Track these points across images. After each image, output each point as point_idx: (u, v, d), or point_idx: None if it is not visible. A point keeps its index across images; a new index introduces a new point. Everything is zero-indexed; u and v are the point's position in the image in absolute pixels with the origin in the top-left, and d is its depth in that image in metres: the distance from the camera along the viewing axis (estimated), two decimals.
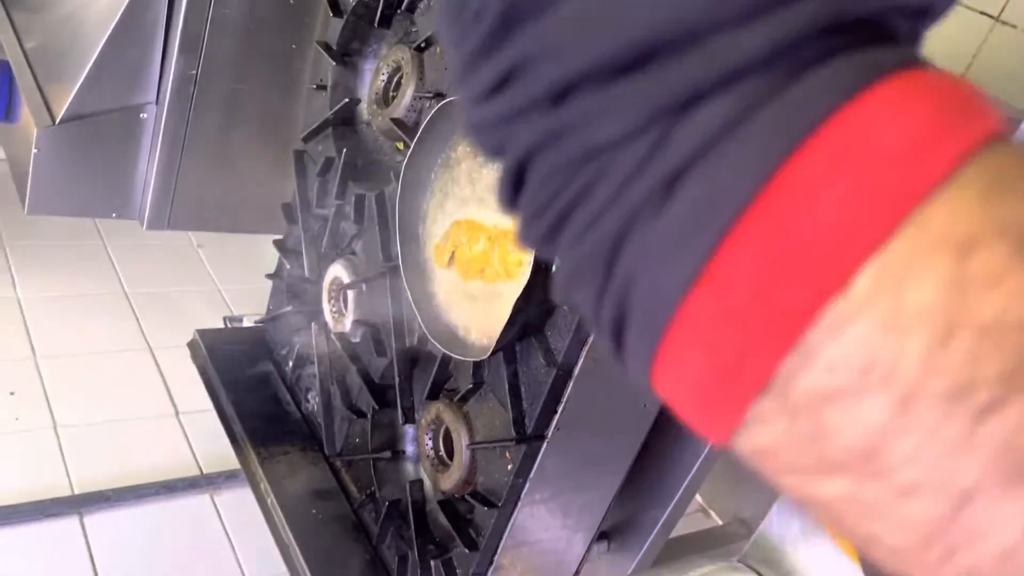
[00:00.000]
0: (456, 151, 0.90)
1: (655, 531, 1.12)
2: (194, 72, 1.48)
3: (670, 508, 1.10)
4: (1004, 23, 1.31)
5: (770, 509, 0.86)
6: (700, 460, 1.06)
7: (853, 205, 0.17)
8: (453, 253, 0.89)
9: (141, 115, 1.52)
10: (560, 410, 0.86)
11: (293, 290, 1.34)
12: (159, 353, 1.85)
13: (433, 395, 1.00)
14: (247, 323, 1.91)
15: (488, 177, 0.83)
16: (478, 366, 0.92)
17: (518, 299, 0.77)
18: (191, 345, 1.35)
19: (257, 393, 1.29)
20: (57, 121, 1.45)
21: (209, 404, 1.66)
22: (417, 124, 1.04)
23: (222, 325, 1.90)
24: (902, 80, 0.18)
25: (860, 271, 0.16)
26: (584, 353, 0.82)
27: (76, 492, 1.50)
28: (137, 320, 1.93)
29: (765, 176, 0.17)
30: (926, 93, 0.18)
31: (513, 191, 0.22)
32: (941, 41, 1.29)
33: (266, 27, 1.48)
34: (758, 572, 0.55)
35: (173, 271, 2.13)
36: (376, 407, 1.10)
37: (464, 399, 0.94)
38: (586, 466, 0.96)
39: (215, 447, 1.62)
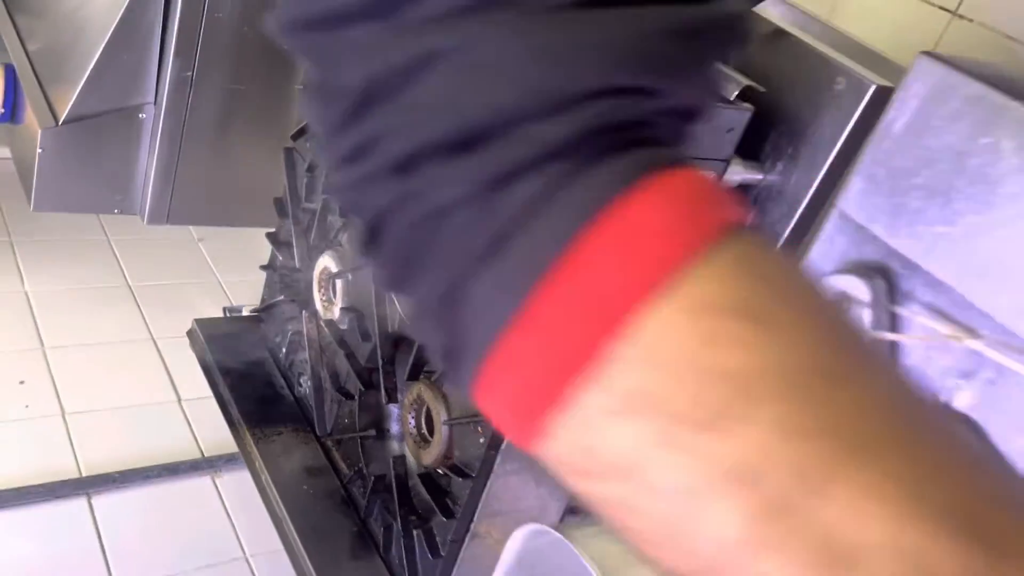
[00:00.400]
0: None
1: None
2: (189, 74, 1.55)
3: None
4: (961, 17, 1.37)
5: None
6: None
7: (620, 276, 0.22)
8: None
9: (140, 115, 1.59)
10: None
11: (285, 280, 1.41)
12: (161, 343, 1.93)
13: (413, 376, 1.07)
14: (246, 313, 1.99)
15: None
16: None
17: None
18: (190, 334, 1.42)
19: (253, 379, 1.36)
20: (60, 122, 1.53)
21: (210, 391, 1.74)
22: None
23: (221, 315, 1.98)
24: (665, 178, 0.23)
25: (621, 330, 0.22)
26: None
27: (84, 475, 1.57)
28: (140, 311, 2.01)
29: (560, 249, 0.22)
30: (682, 190, 0.23)
31: (368, 243, 0.26)
32: (900, 34, 1.36)
33: (259, 30, 1.55)
34: None
35: (175, 264, 2.20)
36: (363, 389, 1.17)
37: (441, 379, 1.01)
38: None
39: (216, 432, 1.69)
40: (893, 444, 0.22)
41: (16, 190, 1.69)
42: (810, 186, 0.97)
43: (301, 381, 1.34)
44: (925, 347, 0.46)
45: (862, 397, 0.23)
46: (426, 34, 0.24)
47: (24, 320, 1.88)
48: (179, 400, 1.79)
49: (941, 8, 1.39)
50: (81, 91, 1.52)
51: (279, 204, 1.37)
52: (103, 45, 1.50)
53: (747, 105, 0.87)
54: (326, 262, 1.27)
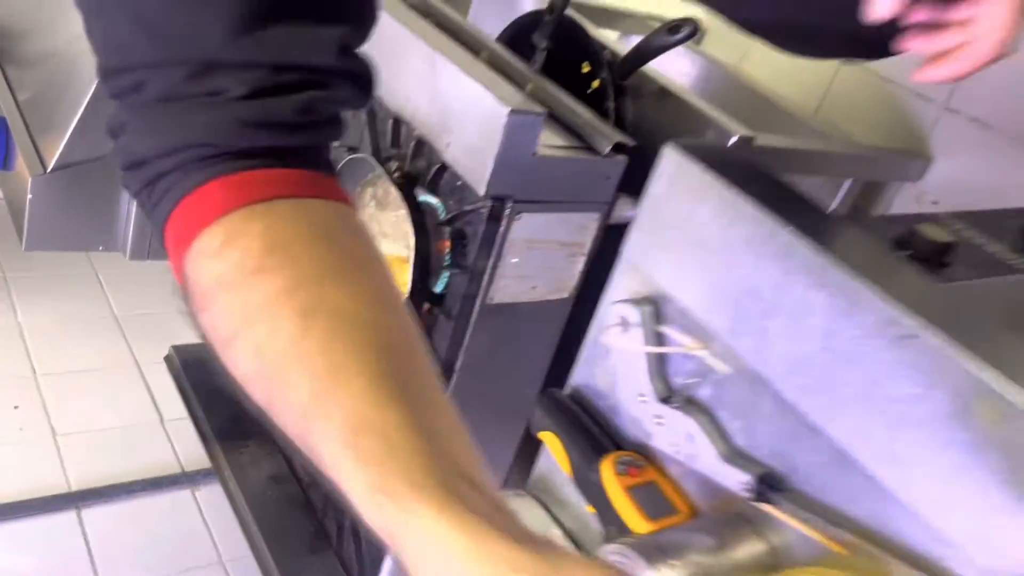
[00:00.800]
0: (363, 197, 1.13)
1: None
2: None
3: None
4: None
5: None
6: None
7: (204, 205, 0.43)
8: None
9: None
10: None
11: None
12: (145, 368, 2.08)
13: None
14: None
15: (388, 217, 1.06)
16: None
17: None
18: (167, 359, 1.58)
19: (224, 398, 1.51)
20: (49, 169, 1.69)
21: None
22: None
23: (199, 341, 2.13)
24: (232, 176, 0.44)
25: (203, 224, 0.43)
26: (461, 354, 1.05)
27: (74, 490, 1.73)
28: (125, 339, 2.16)
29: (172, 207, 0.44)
30: (234, 183, 0.43)
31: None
32: (797, 78, 1.53)
33: None
34: (540, 500, 0.77)
35: (157, 293, 2.35)
36: None
37: None
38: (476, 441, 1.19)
39: (195, 448, 1.84)
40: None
41: (9, 230, 1.85)
42: None
43: None
44: (678, 355, 0.62)
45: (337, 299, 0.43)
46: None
47: (18, 350, 2.03)
48: (161, 420, 1.95)
49: None
50: (68, 140, 1.68)
51: None
52: (89, 95, 1.66)
53: (620, 157, 1.03)
54: None
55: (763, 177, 0.61)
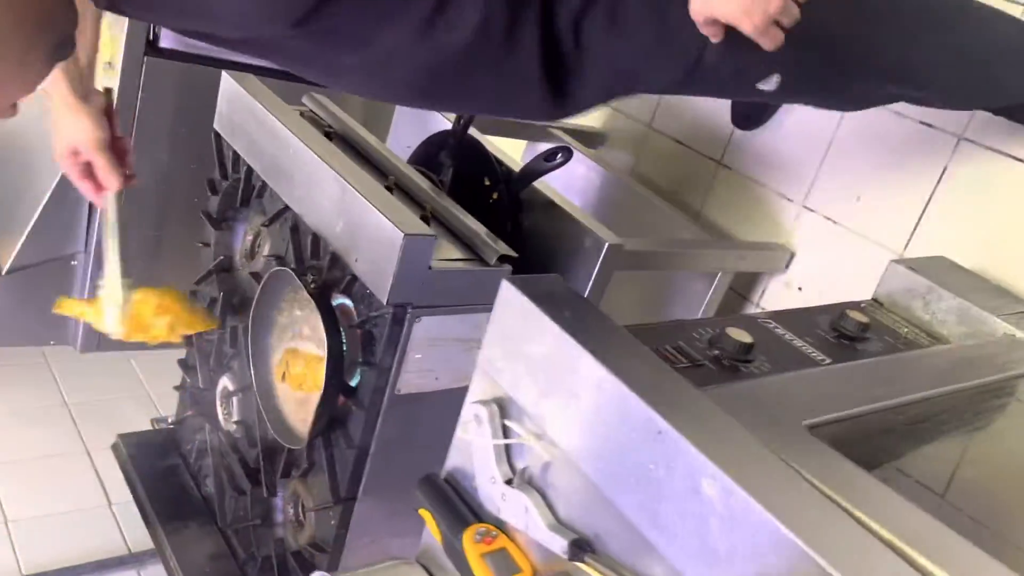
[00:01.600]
0: (289, 304, 1.30)
1: None
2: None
3: None
4: (725, 166, 1.76)
5: None
6: None
7: None
8: (284, 372, 1.27)
9: (72, 263, 1.90)
10: (363, 479, 1.24)
11: (195, 398, 1.70)
12: (94, 454, 2.19)
13: (285, 475, 1.37)
14: (170, 424, 2.26)
15: (309, 321, 1.22)
16: (311, 448, 1.29)
17: (318, 406, 1.16)
18: (114, 447, 1.70)
19: (167, 482, 1.64)
20: (4, 272, 1.82)
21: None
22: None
23: (149, 426, 2.25)
24: None
25: None
26: (374, 440, 1.21)
27: (24, 574, 1.82)
28: (75, 426, 2.27)
29: None
30: None
31: None
32: (684, 179, 1.73)
33: (176, 188, 1.89)
34: (426, 567, 0.91)
35: (107, 380, 2.46)
36: (252, 486, 1.46)
37: (304, 475, 1.32)
38: (391, 517, 1.34)
39: (141, 530, 1.95)
40: None
41: None
42: None
43: (206, 482, 1.62)
44: (518, 445, 0.79)
45: None
46: None
47: None
48: (109, 504, 2.05)
49: (709, 158, 1.78)
50: (22, 245, 1.82)
51: (186, 337, 1.68)
52: (43, 204, 1.81)
53: (506, 265, 1.21)
54: (224, 382, 1.57)
55: (580, 305, 0.79)
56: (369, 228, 1.13)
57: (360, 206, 1.15)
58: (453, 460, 0.87)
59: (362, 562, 1.33)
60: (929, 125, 1.43)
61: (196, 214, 1.89)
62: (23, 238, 1.82)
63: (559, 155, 1.27)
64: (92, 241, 1.87)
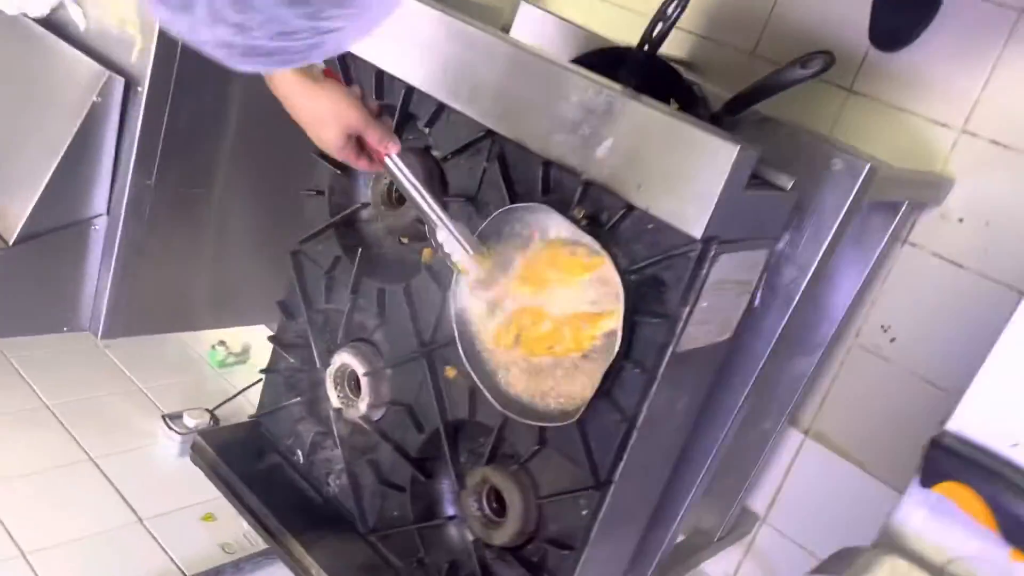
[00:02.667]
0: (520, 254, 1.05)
1: (661, 551, 1.30)
2: (149, 182, 1.52)
3: (672, 529, 1.28)
4: (857, 93, 1.63)
5: None
6: (695, 488, 1.25)
7: None
8: (518, 335, 1.03)
9: (93, 227, 1.54)
10: (625, 457, 1.02)
11: (291, 382, 1.41)
12: (101, 461, 1.82)
13: (490, 460, 1.12)
14: (188, 420, 1.92)
15: (567, 268, 0.98)
16: (542, 430, 1.06)
17: (609, 369, 0.94)
18: (196, 449, 1.38)
19: (275, 485, 1.34)
20: (11, 243, 1.44)
21: (173, 506, 1.68)
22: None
23: (160, 424, 1.90)
24: None
25: None
26: (645, 408, 0.99)
27: None
28: (68, 431, 1.88)
29: None
30: None
31: None
32: (805, 108, 1.53)
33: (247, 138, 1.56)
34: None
35: (86, 375, 2.07)
36: (423, 478, 1.21)
37: (529, 460, 1.08)
38: (635, 502, 1.13)
39: (191, 547, 1.63)
40: None
41: None
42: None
43: (330, 481, 1.34)
44: None
45: None
46: None
47: None
48: (140, 520, 1.70)
49: (842, 88, 1.64)
50: (34, 208, 1.44)
51: (285, 307, 1.38)
52: (57, 161, 1.44)
53: (795, 193, 1.02)
54: (345, 359, 1.29)
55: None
56: (670, 143, 0.91)
57: (647, 116, 0.93)
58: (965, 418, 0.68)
59: (606, 559, 1.12)
60: None
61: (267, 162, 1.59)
62: (35, 200, 1.44)
63: (816, 60, 1.08)
64: (120, 201, 1.51)
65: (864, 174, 1.11)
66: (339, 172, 1.28)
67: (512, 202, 1.05)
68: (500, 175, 1.06)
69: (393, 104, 1.19)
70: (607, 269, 0.95)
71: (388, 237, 1.29)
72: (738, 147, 0.87)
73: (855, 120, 1.63)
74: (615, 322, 0.95)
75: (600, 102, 0.96)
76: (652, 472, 1.14)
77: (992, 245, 1.49)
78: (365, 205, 1.27)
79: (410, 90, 1.16)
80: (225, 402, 2.00)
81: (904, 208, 1.40)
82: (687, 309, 0.95)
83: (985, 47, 1.49)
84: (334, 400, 1.32)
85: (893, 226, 1.40)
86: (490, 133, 1.08)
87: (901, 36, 1.53)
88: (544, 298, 1.01)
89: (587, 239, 0.96)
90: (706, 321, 1.01)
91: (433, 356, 1.18)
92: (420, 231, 1.21)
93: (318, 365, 1.33)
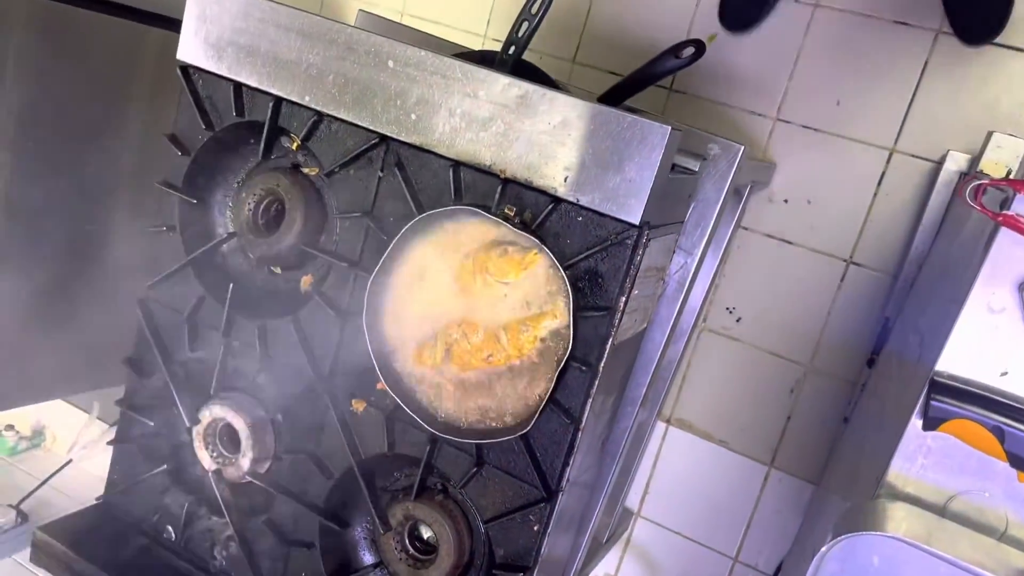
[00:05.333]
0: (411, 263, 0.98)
1: (580, 557, 1.27)
2: None
3: (589, 532, 1.26)
4: (677, 91, 1.71)
5: None
6: (607, 485, 1.24)
7: None
8: (448, 350, 0.96)
9: None
10: (572, 463, 0.98)
11: (148, 451, 1.22)
12: None
13: (419, 494, 1.04)
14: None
15: (504, 271, 0.92)
16: (480, 449, 0.99)
17: (559, 372, 0.89)
18: (39, 546, 1.15)
19: (149, 571, 1.16)
20: None
21: None
22: (317, 246, 1.07)
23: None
24: None
25: None
26: (588, 407, 0.96)
27: None
28: None
29: None
30: None
31: None
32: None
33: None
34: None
35: None
36: (337, 528, 1.09)
37: (466, 484, 1.01)
38: (574, 507, 1.09)
39: None
40: None
41: None
42: None
43: (216, 553, 1.18)
44: None
45: None
46: None
47: None
48: None
49: (662, 88, 1.72)
50: None
51: (135, 364, 1.19)
52: None
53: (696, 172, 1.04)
54: (216, 414, 1.14)
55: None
56: (596, 131, 0.89)
57: (569, 107, 0.90)
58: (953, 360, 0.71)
59: (548, 573, 1.07)
60: (904, 23, 1.53)
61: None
62: None
63: (688, 48, 1.11)
64: None
65: (739, 157, 1.15)
66: (193, 202, 1.13)
67: (419, 212, 0.98)
68: (402, 184, 0.99)
69: (258, 121, 1.07)
70: (544, 265, 0.91)
71: (256, 269, 1.16)
72: (670, 128, 0.87)
73: (678, 117, 1.71)
74: (561, 319, 0.91)
75: (512, 96, 0.92)
76: (584, 474, 1.11)
77: (816, 220, 1.62)
78: (231, 236, 1.13)
79: (279, 102, 1.06)
80: (30, 494, 1.71)
81: (748, 191, 1.49)
82: (624, 299, 0.93)
83: (788, 39, 1.62)
84: (206, 462, 1.16)
85: (740, 209, 1.48)
86: (383, 139, 1.00)
87: (751, 16, 1.61)
88: (474, 306, 0.95)
89: (521, 236, 0.91)
90: (634, 310, 0.99)
91: (336, 390, 1.07)
92: (294, 259, 1.10)
93: (186, 424, 1.16)
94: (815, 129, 1.61)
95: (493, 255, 0.93)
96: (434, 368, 0.97)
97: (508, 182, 0.94)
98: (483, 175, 0.95)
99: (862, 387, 1.52)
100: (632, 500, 1.82)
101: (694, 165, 1.06)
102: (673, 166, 1.04)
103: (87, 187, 1.42)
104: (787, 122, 1.63)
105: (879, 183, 1.57)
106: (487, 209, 0.93)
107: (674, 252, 1.10)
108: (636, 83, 1.17)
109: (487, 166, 0.94)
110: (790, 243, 1.65)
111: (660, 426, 1.79)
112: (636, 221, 0.89)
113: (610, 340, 0.93)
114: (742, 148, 1.15)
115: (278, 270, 1.15)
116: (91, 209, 1.44)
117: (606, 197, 0.90)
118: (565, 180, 0.91)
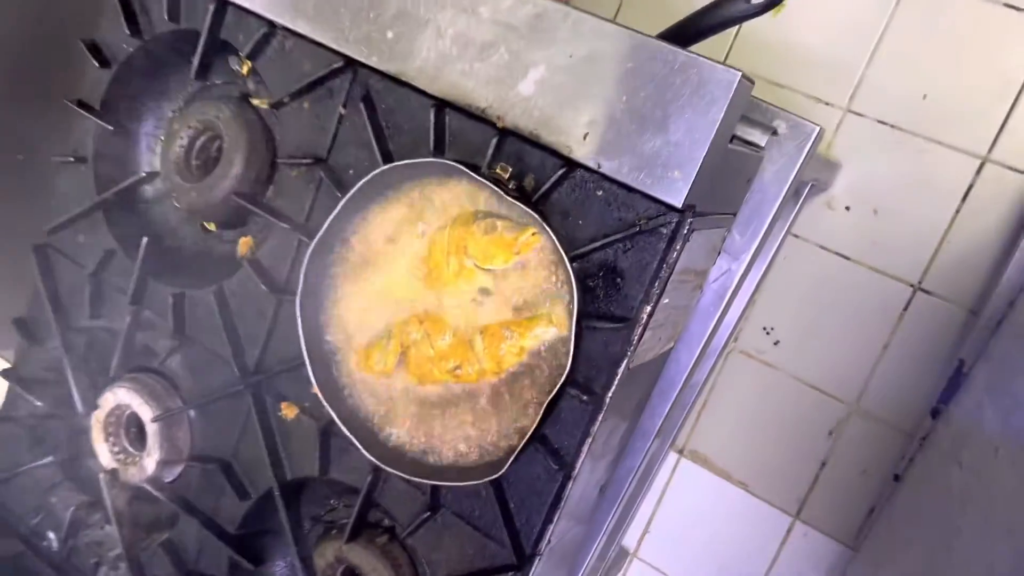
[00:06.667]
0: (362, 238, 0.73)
1: None
2: None
3: None
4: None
5: None
6: (603, 532, 1.00)
7: None
8: (404, 354, 0.71)
9: None
10: (556, 519, 0.73)
11: (37, 435, 0.99)
12: None
13: (354, 535, 0.79)
14: None
15: (486, 255, 0.67)
16: (437, 490, 0.74)
17: (551, 399, 0.64)
18: None
19: None
20: None
21: None
22: (256, 199, 0.83)
23: None
24: None
25: None
26: (586, 447, 0.71)
27: None
28: None
29: None
30: None
31: None
32: None
33: None
34: None
35: None
36: (248, 564, 0.84)
37: (414, 531, 0.76)
38: (555, 569, 0.84)
39: None
40: None
41: None
42: None
43: (100, 573, 0.94)
44: None
45: None
46: None
47: None
48: None
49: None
50: None
51: (26, 327, 0.95)
52: None
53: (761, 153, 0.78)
54: (121, 399, 0.90)
55: None
56: (633, 73, 0.64)
57: (599, 33, 0.65)
58: None
59: None
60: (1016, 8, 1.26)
61: None
62: None
63: None
64: None
65: (812, 141, 0.90)
66: (110, 129, 0.89)
67: (385, 164, 0.73)
68: (367, 125, 0.74)
69: (195, 30, 0.83)
70: (543, 252, 0.65)
71: (186, 223, 0.92)
72: (739, 75, 0.61)
73: None
74: (560, 328, 0.66)
75: (524, 16, 0.67)
76: (574, 528, 0.86)
77: (881, 234, 1.36)
78: (151, 176, 0.89)
79: (222, 6, 0.81)
80: None
81: (807, 191, 1.23)
82: (650, 308, 0.67)
83: (872, 15, 1.36)
84: (105, 458, 0.92)
85: (796, 211, 1.22)
86: (350, 64, 0.75)
87: None
88: (444, 299, 0.70)
89: (516, 209, 0.66)
90: (661, 325, 0.74)
91: (262, 389, 0.82)
92: (233, 214, 0.86)
93: (79, 408, 0.92)
94: (892, 126, 1.34)
95: (476, 231, 0.67)
96: (384, 376, 0.72)
97: (507, 134, 0.68)
98: (475, 122, 0.70)
99: (921, 441, 1.26)
100: (630, 538, 1.57)
101: (760, 139, 0.80)
102: (733, 137, 0.78)
103: None
104: (859, 115, 1.37)
105: (964, 197, 1.30)
106: (475, 169, 0.67)
107: (719, 253, 0.84)
108: (689, 30, 0.91)
109: (481, 110, 0.69)
110: (847, 258, 1.38)
111: (671, 456, 1.53)
112: (678, 203, 0.63)
113: (624, 362, 0.68)
114: (817, 129, 0.89)
115: (212, 227, 0.90)
116: None
117: (640, 165, 0.64)
118: (585, 137, 0.66)
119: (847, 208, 1.38)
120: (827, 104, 1.39)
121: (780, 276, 1.43)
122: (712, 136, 0.62)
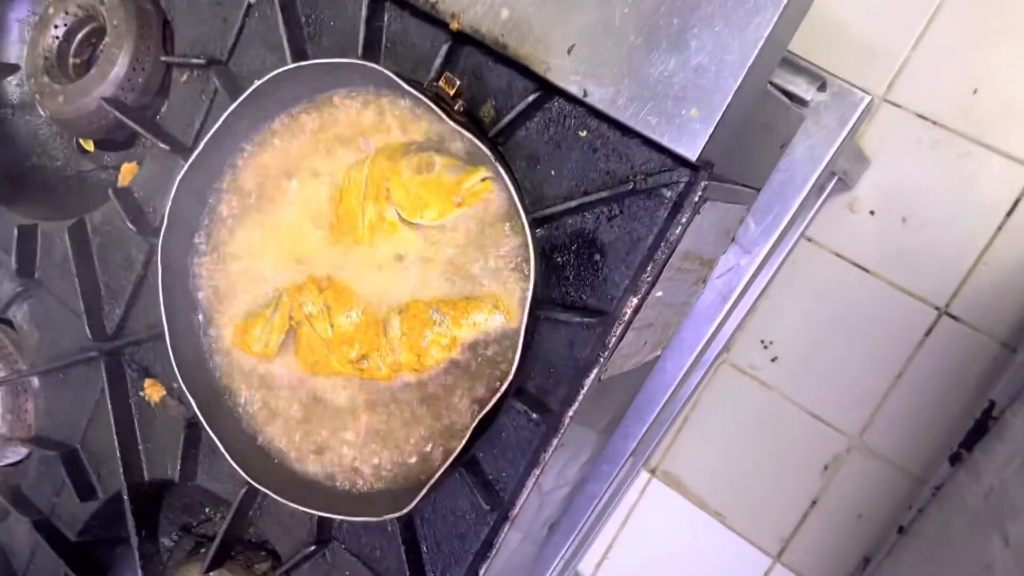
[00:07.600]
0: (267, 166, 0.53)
1: None
2: None
3: None
4: None
5: None
6: (555, 566, 0.82)
7: None
8: (293, 331, 0.52)
9: None
10: (483, 571, 0.54)
11: None
12: None
13: (219, 561, 0.60)
14: None
15: (423, 200, 0.47)
16: (323, 520, 0.55)
17: (494, 406, 0.45)
18: None
19: None
20: None
21: None
22: (144, 108, 0.63)
23: None
24: None
25: None
26: (531, 481, 0.52)
27: None
28: None
29: None
30: None
31: None
32: None
33: None
34: None
35: None
36: None
37: (295, 567, 0.57)
38: None
39: None
40: None
41: None
42: None
43: None
44: None
45: None
46: None
47: None
48: None
49: None
50: None
51: None
52: None
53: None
54: None
55: None
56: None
57: None
58: None
59: None
60: None
61: None
62: None
63: None
64: None
65: (860, 110, 0.71)
66: None
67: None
68: (279, 16, 0.54)
69: None
70: (496, 207, 0.46)
71: (59, 137, 0.72)
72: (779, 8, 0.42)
73: None
74: (510, 314, 0.47)
75: None
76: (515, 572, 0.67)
77: (908, 246, 1.18)
78: (13, 69, 0.69)
79: None
80: None
81: (832, 184, 1.04)
82: (636, 300, 0.48)
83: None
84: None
85: (817, 206, 1.04)
86: None
87: None
88: (353, 260, 0.51)
89: (465, 142, 0.47)
90: (648, 325, 0.55)
91: (121, 359, 0.63)
92: (114, 130, 0.66)
93: None
94: (934, 122, 1.16)
95: (405, 169, 0.48)
96: (264, 359, 0.53)
97: (463, 41, 0.49)
98: (421, 21, 0.50)
99: (935, 490, 1.08)
100: (587, 563, 1.39)
101: (805, 92, 0.61)
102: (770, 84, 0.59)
103: None
104: (897, 105, 1.18)
105: (1009, 213, 1.12)
106: (415, 85, 0.48)
107: (732, 241, 0.66)
108: None
109: (431, 4, 0.50)
110: (866, 270, 1.20)
111: (642, 475, 1.35)
112: (692, 155, 0.44)
113: (594, 372, 0.49)
114: (868, 99, 0.71)
115: (90, 146, 0.71)
116: None
117: (643, 95, 0.45)
118: (570, 51, 0.46)
119: (871, 212, 1.20)
120: (860, 90, 1.20)
121: (786, 283, 1.25)
122: (750, 63, 0.43)
